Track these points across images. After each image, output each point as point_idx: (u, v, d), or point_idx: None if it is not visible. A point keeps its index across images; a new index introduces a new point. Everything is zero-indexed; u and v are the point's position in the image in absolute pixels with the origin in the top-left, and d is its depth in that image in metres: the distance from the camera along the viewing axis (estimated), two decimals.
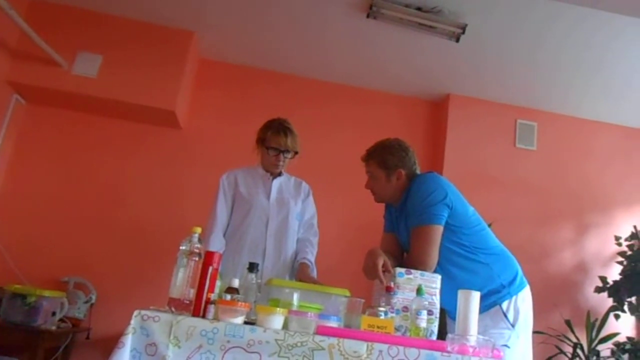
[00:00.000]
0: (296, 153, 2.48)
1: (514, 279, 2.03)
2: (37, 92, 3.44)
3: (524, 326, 1.98)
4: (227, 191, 2.44)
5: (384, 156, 2.12)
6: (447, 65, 3.59)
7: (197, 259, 1.56)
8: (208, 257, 1.56)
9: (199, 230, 1.61)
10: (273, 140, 2.42)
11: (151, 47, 3.51)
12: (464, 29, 3.08)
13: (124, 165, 3.62)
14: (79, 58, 3.42)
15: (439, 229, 1.95)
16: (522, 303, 1.99)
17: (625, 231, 3.65)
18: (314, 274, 2.38)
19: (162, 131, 3.70)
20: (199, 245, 1.58)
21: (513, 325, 1.93)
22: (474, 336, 1.57)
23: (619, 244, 3.61)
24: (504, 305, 1.95)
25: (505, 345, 1.79)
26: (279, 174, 2.52)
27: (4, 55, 3.28)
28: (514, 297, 1.98)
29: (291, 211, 2.44)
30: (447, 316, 1.84)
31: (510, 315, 1.94)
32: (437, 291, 1.78)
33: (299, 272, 2.34)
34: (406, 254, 2.08)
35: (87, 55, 3.44)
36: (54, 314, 2.82)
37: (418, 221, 1.97)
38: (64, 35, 3.41)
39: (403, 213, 2.11)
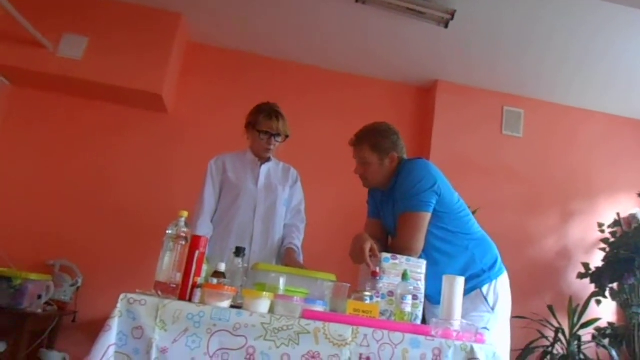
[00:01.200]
0: (287, 137, 2.49)
1: (494, 264, 2.07)
2: (21, 74, 3.38)
3: (503, 310, 2.02)
4: (215, 176, 2.44)
5: (377, 139, 2.11)
6: (436, 51, 3.59)
7: (183, 242, 1.56)
8: (195, 242, 1.57)
9: (185, 214, 1.61)
10: (264, 124, 2.42)
11: (138, 29, 3.46)
12: (452, 14, 3.07)
13: (111, 148, 3.58)
14: (65, 40, 3.36)
15: (426, 216, 1.98)
16: (502, 288, 2.04)
17: (609, 218, 3.71)
18: (301, 259, 2.40)
19: (148, 115, 3.66)
20: (185, 229, 1.58)
21: (493, 309, 1.98)
22: (457, 320, 1.60)
23: (602, 231, 3.67)
24: (484, 289, 2.00)
25: (485, 328, 1.83)
26: (268, 159, 2.52)
27: None
28: (493, 282, 2.03)
29: (279, 197, 2.45)
30: (426, 300, 1.88)
31: (490, 299, 1.99)
32: (423, 276, 1.81)
33: (285, 257, 2.35)
34: (392, 239, 2.10)
35: (73, 37, 3.38)
36: (39, 297, 2.82)
37: (406, 207, 1.99)
38: (49, 16, 3.34)
39: (390, 198, 2.13)
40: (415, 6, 3.05)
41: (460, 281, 1.69)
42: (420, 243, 1.95)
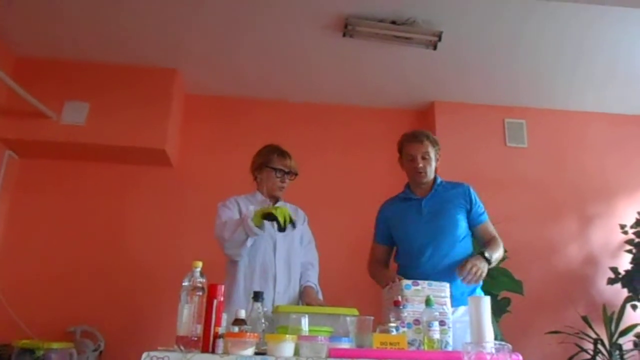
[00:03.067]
0: (296, 175, 2.49)
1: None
2: (28, 146, 3.46)
3: None
4: (232, 208, 2.40)
5: (435, 139, 2.37)
6: (428, 73, 3.62)
7: (200, 293, 1.53)
8: (212, 291, 1.54)
9: (199, 264, 1.58)
10: (279, 161, 2.43)
11: (136, 88, 3.54)
12: (439, 36, 3.11)
13: (120, 208, 3.61)
14: (67, 107, 3.46)
15: None
16: None
17: (630, 219, 3.63)
18: (320, 296, 2.35)
19: (154, 170, 3.70)
20: (201, 280, 1.55)
21: None
22: (490, 343, 1.54)
23: (625, 232, 3.59)
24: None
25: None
26: (277, 200, 2.51)
27: None
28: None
29: (295, 236, 2.43)
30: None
31: None
32: (447, 300, 1.76)
33: (305, 296, 2.30)
34: (484, 242, 2.31)
35: (74, 104, 3.47)
36: None
37: (486, 218, 2.35)
38: (50, 87, 3.45)
39: (423, 204, 2.31)
40: (401, 33, 3.09)
41: (486, 301, 1.64)
42: None
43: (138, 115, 3.47)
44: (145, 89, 3.54)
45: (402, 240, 2.34)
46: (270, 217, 2.13)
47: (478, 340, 1.57)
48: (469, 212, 2.30)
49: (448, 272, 2.08)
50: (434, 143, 2.35)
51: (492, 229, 2.33)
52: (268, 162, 2.45)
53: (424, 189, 2.36)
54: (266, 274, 2.31)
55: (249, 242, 2.21)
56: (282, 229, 2.10)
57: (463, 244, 2.25)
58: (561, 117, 4.04)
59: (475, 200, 2.33)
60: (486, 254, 2.09)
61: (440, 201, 2.31)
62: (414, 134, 2.37)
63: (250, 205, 2.43)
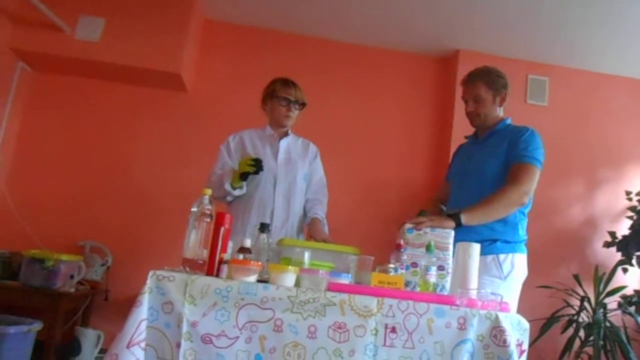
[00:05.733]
0: (304, 105, 2.49)
1: (522, 241, 2.13)
2: (41, 59, 3.42)
3: (515, 283, 2.06)
4: (234, 153, 2.45)
5: (492, 77, 2.19)
6: (458, 19, 3.50)
7: (208, 220, 1.58)
8: (219, 219, 1.59)
9: (209, 192, 1.62)
10: (283, 90, 2.44)
11: (154, 8, 3.45)
12: None
13: (132, 129, 3.63)
14: (81, 22, 3.38)
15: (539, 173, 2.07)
16: (519, 263, 2.08)
17: (637, 186, 3.64)
18: (326, 229, 2.41)
19: (169, 95, 3.68)
20: (209, 207, 1.60)
21: (505, 278, 2.02)
22: (475, 290, 1.61)
23: (630, 199, 3.60)
24: (502, 257, 2.04)
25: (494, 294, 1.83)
26: (286, 134, 2.52)
27: (6, 22, 3.25)
28: (513, 254, 2.07)
29: (299, 172, 2.45)
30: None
31: (505, 268, 2.03)
32: (450, 246, 1.80)
33: (311, 227, 2.36)
34: (507, 182, 2.04)
35: (89, 19, 3.39)
36: (72, 277, 2.91)
37: (529, 160, 2.04)
38: None
39: (485, 145, 2.20)
40: None
41: (476, 248, 1.69)
42: (531, 193, 2.04)
43: (155, 36, 3.40)
44: (164, 9, 3.44)
45: (451, 183, 2.37)
46: (246, 175, 2.22)
47: (462, 285, 1.64)
48: (506, 154, 2.10)
49: None
50: (493, 83, 2.17)
51: (520, 173, 2.02)
52: (273, 91, 2.46)
53: (485, 131, 2.23)
54: (264, 209, 2.36)
55: (236, 193, 2.30)
56: (260, 169, 2.20)
57: (494, 185, 2.04)
58: (586, 78, 3.93)
59: (517, 142, 2.08)
60: (463, 218, 1.87)
61: (487, 145, 2.19)
62: (468, 75, 2.23)
63: (257, 140, 2.46)
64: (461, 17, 3.47)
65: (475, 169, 2.18)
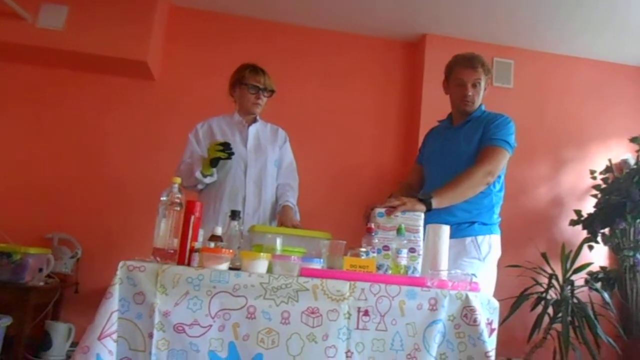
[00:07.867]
0: (272, 92, 2.48)
1: (497, 223, 2.17)
2: (2, 48, 3.30)
3: (492, 263, 2.10)
4: (203, 140, 2.43)
5: (487, 65, 2.22)
6: (423, 4, 3.51)
7: (178, 208, 1.57)
8: (190, 207, 1.58)
9: (178, 180, 1.61)
10: (251, 77, 2.43)
11: None
12: None
13: (100, 119, 3.55)
14: (43, 10, 3.28)
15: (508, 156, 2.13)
16: (495, 244, 2.12)
17: (601, 165, 3.74)
18: (297, 216, 2.41)
19: (136, 83, 3.61)
20: (179, 195, 1.58)
21: (483, 259, 2.06)
22: (445, 271, 1.64)
23: (594, 178, 3.71)
24: (479, 238, 2.08)
25: (473, 275, 1.86)
26: (255, 120, 2.51)
27: None
28: (490, 236, 2.11)
29: (269, 157, 2.45)
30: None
31: (483, 249, 2.07)
32: (420, 228, 1.82)
33: (281, 215, 2.36)
34: (476, 162, 2.07)
35: (52, 7, 3.29)
36: (40, 270, 2.85)
37: (500, 144, 2.09)
38: None
39: (462, 131, 2.21)
40: None
41: (445, 230, 1.72)
42: (496, 173, 2.07)
43: (120, 23, 3.32)
44: None
45: (424, 166, 2.38)
46: (217, 161, 2.23)
47: (432, 266, 1.67)
48: (480, 140, 2.13)
49: None
50: (487, 71, 2.21)
51: (486, 155, 2.06)
52: (241, 79, 2.44)
53: (463, 117, 2.24)
54: (236, 196, 2.36)
55: (207, 181, 2.30)
56: (231, 154, 2.22)
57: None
58: (549, 60, 4.01)
59: (489, 127, 2.12)
60: (433, 202, 1.87)
61: (463, 131, 2.21)
62: (469, 58, 2.20)
63: (225, 127, 2.45)
64: (426, 1, 3.48)
65: (451, 154, 2.20)
